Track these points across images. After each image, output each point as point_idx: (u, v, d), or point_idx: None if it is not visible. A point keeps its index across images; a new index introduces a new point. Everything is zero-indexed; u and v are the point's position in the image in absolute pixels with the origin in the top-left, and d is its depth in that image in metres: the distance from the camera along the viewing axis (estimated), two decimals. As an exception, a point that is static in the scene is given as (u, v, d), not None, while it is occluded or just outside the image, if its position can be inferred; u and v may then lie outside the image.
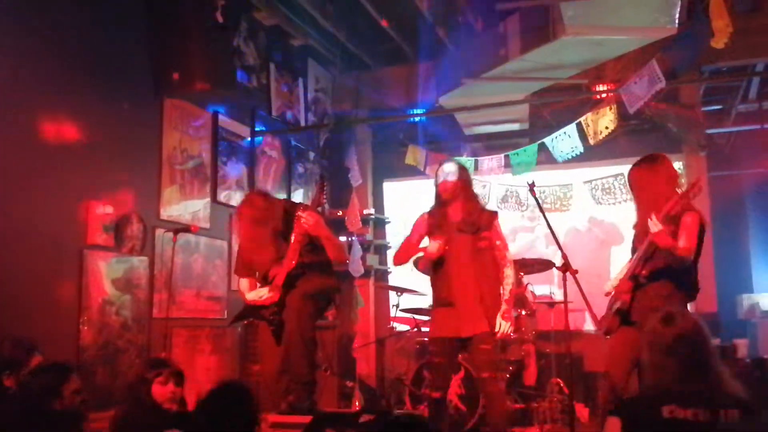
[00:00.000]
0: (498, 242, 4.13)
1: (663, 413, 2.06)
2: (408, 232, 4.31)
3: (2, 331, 3.53)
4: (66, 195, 4.38)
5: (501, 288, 4.03)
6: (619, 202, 6.69)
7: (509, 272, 4.07)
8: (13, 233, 4.01)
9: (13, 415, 2.77)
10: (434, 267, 4.11)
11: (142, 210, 4.97)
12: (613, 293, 3.85)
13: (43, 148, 4.25)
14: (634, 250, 3.87)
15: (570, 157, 6.26)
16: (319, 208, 4.25)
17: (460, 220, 4.08)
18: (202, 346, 5.47)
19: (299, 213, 4.05)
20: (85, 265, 4.46)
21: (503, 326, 3.93)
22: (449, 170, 4.11)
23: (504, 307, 3.97)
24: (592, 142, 6.13)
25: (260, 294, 4.18)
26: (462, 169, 4.18)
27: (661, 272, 3.65)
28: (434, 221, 4.15)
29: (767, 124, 7.44)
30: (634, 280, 3.71)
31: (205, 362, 5.46)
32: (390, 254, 8.09)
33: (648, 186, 3.77)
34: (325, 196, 4.31)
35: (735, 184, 7.81)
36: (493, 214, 4.20)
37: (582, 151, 6.20)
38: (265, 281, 4.22)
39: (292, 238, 4.07)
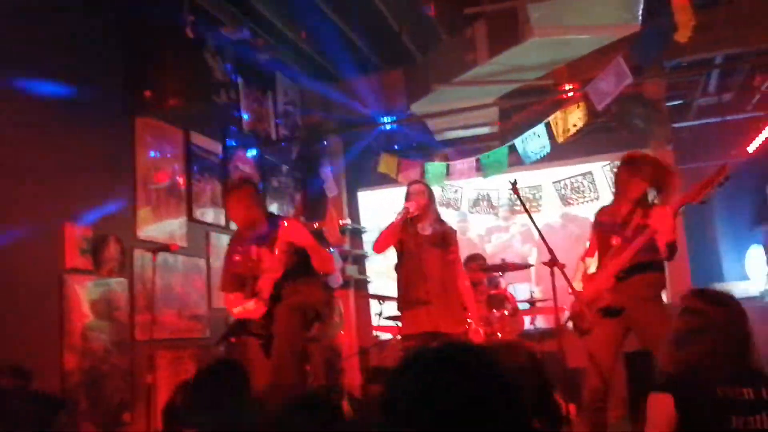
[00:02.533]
0: (458, 257, 4.75)
1: (718, 393, 2.07)
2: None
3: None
4: (42, 219, 4.30)
5: (466, 296, 4.61)
6: (588, 201, 6.78)
7: (468, 284, 4.70)
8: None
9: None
10: (406, 269, 4.61)
11: (119, 231, 4.90)
12: (583, 292, 3.90)
13: (15, 171, 4.16)
14: (607, 247, 3.94)
15: (539, 158, 6.30)
16: (301, 218, 4.26)
17: (432, 235, 4.59)
18: (186, 367, 5.38)
19: (282, 223, 4.04)
20: (65, 290, 4.37)
21: (480, 332, 4.60)
22: (418, 191, 4.66)
23: (472, 313, 4.61)
24: (560, 140, 6.16)
25: (247, 307, 4.14)
26: (429, 189, 4.76)
27: (643, 265, 3.75)
28: (406, 233, 4.61)
29: (727, 116, 7.64)
30: (617, 275, 3.78)
31: (191, 382, 5.37)
32: (369, 264, 8.10)
33: (636, 184, 3.86)
34: (306, 206, 4.38)
35: (701, 176, 7.97)
36: (455, 232, 4.81)
37: (549, 150, 6.25)
38: (251, 295, 4.18)
39: (277, 250, 4.05)
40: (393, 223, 4.60)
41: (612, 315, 3.75)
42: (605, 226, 3.96)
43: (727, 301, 2.24)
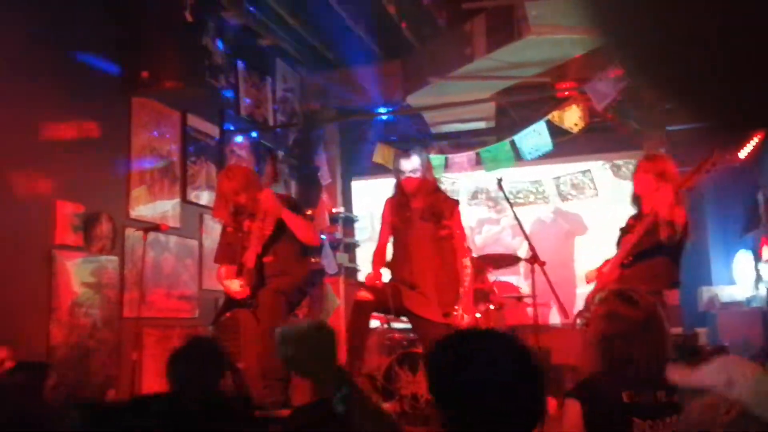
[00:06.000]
0: (458, 232, 4.16)
1: (623, 398, 2.03)
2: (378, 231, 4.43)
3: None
4: (34, 195, 4.35)
5: (460, 278, 4.04)
6: (589, 197, 6.84)
7: (467, 262, 4.09)
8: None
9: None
10: (394, 248, 4.27)
11: (112, 209, 4.95)
12: (595, 283, 3.87)
13: (9, 147, 4.21)
14: (619, 244, 3.92)
15: (539, 155, 6.33)
16: (274, 186, 4.32)
17: (423, 208, 4.14)
18: (173, 346, 5.44)
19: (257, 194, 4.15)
20: (54, 266, 4.43)
21: (465, 318, 3.93)
22: (412, 166, 4.13)
23: (462, 298, 3.99)
24: (564, 138, 6.20)
25: (233, 285, 4.20)
26: (425, 163, 4.21)
27: (647, 251, 3.70)
28: (397, 206, 4.24)
29: (723, 121, 7.66)
30: (621, 267, 3.80)
31: (177, 361, 5.44)
32: (360, 252, 8.15)
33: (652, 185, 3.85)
34: (277, 172, 4.42)
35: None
36: (455, 203, 4.27)
37: (551, 148, 6.28)
38: (239, 267, 4.26)
39: (260, 217, 4.15)
40: (383, 236, 4.33)
41: None
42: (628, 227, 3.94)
43: (645, 303, 2.15)
